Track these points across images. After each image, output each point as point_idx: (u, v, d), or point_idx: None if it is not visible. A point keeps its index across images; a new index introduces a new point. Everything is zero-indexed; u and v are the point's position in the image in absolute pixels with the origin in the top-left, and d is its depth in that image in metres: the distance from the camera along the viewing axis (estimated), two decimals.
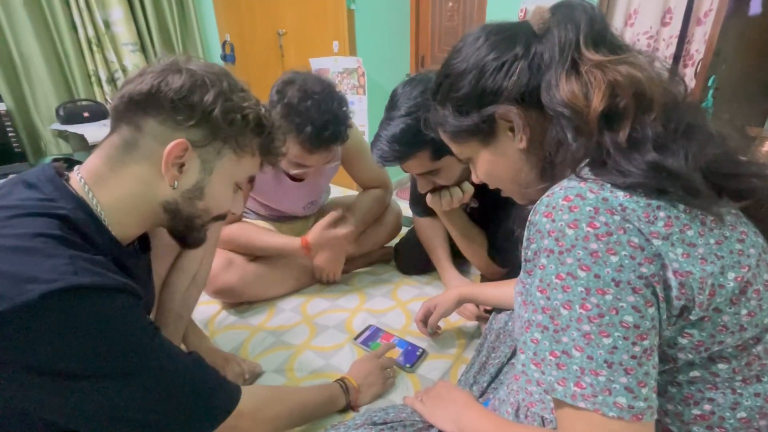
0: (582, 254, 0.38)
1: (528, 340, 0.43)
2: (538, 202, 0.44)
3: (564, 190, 0.41)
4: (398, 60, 2.99)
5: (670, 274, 0.38)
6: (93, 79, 2.41)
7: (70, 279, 0.42)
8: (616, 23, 1.97)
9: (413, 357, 0.93)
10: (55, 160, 0.57)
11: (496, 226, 1.06)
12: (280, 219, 1.33)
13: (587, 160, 0.43)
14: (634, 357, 0.38)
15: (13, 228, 0.44)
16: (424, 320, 0.96)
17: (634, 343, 0.38)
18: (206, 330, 1.06)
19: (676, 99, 0.44)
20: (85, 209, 0.51)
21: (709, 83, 1.89)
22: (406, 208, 1.38)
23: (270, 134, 0.61)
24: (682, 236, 0.39)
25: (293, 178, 1.19)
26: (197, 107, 0.53)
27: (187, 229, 0.61)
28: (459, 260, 1.21)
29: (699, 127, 0.43)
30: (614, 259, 0.38)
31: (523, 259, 0.48)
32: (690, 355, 0.42)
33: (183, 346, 0.86)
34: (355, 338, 1.01)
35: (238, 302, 1.15)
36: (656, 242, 0.38)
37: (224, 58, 3.06)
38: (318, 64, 2.47)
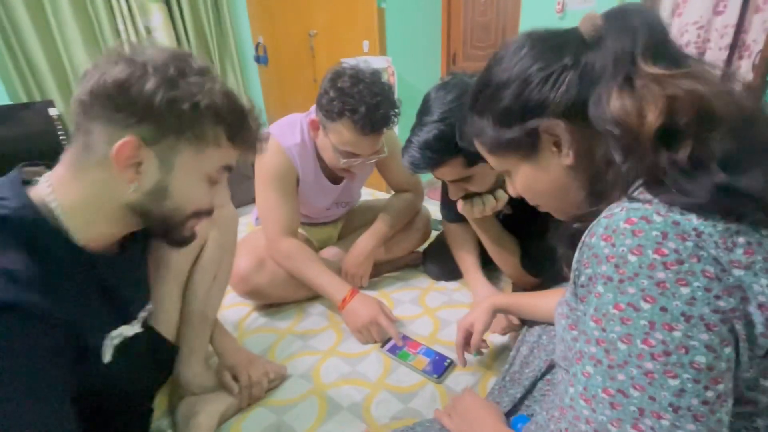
0: (647, 284, 0.35)
1: (579, 373, 0.39)
2: (595, 222, 0.40)
3: (626, 211, 0.37)
4: (429, 58, 2.95)
5: (753, 309, 0.34)
6: None
7: None
8: (663, 14, 1.85)
9: (441, 367, 0.91)
10: (35, 164, 0.56)
11: (530, 236, 1.02)
12: (310, 224, 1.33)
13: (640, 181, 0.40)
14: (705, 403, 0.34)
15: None
16: (467, 341, 0.89)
17: (706, 387, 0.34)
18: (236, 332, 1.09)
19: (752, 114, 0.40)
20: (37, 211, 0.49)
21: None
22: (436, 211, 1.35)
23: (238, 120, 0.56)
24: (765, 265, 0.35)
25: (333, 181, 1.20)
26: (137, 101, 0.49)
27: (164, 230, 0.58)
28: (490, 266, 1.17)
29: None
30: (685, 290, 0.34)
31: (572, 282, 0.44)
32: None
33: (210, 348, 0.87)
34: (382, 346, 0.99)
35: (268, 304, 1.17)
36: (737, 272, 0.34)
37: (257, 59, 3.12)
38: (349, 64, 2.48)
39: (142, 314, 0.67)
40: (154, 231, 0.59)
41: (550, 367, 0.78)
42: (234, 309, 1.17)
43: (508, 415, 0.73)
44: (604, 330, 0.37)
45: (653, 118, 0.38)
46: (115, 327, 0.60)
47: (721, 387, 0.34)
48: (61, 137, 2.28)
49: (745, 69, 1.79)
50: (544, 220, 0.90)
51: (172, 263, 0.77)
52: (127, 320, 0.63)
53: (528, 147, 0.49)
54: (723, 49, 1.84)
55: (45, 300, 0.45)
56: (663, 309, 0.34)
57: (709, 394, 0.34)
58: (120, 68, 0.49)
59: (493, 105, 0.50)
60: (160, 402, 0.84)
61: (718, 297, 0.34)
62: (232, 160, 0.59)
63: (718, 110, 0.38)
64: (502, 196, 0.95)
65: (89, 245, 0.54)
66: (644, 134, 0.38)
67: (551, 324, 0.83)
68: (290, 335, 1.06)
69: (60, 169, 0.53)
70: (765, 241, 0.35)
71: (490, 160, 0.56)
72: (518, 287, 1.13)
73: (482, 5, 2.77)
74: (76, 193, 0.51)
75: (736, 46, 1.83)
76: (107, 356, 0.58)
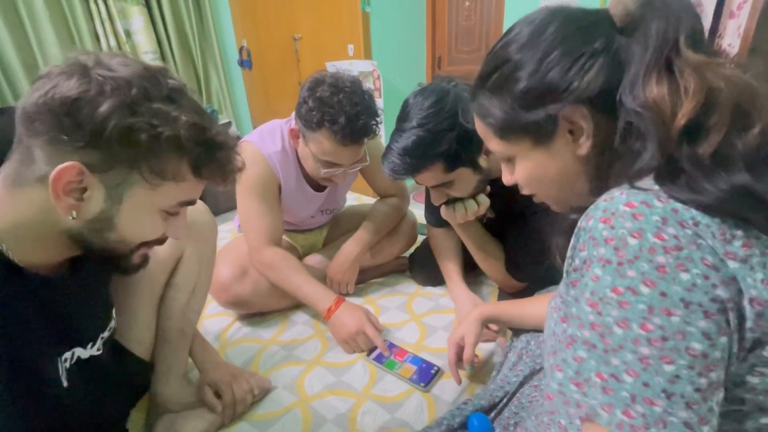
0: (647, 267, 0.34)
1: (569, 358, 0.38)
2: (592, 206, 0.39)
3: (626, 195, 0.37)
4: (414, 62, 2.96)
5: (745, 303, 0.34)
6: None
7: None
8: None
9: (428, 376, 0.90)
10: None
11: (513, 239, 1.02)
12: (294, 231, 1.31)
13: (650, 172, 0.39)
14: (699, 390, 0.33)
15: None
16: (459, 357, 0.87)
17: (700, 374, 0.33)
18: (218, 342, 1.06)
19: None
20: None
21: None
22: (421, 215, 1.34)
23: (205, 152, 0.49)
24: (763, 260, 0.34)
25: (316, 188, 1.18)
26: (85, 125, 0.43)
27: (107, 259, 0.53)
28: (476, 271, 1.16)
29: None
30: (685, 276, 0.33)
31: (565, 271, 0.43)
32: (761, 398, 0.36)
33: (190, 361, 0.84)
34: (368, 354, 0.98)
35: (251, 313, 1.14)
36: (732, 264, 0.33)
37: (241, 63, 3.09)
38: (334, 68, 2.47)
39: (103, 335, 0.64)
40: (96, 259, 0.53)
41: (534, 372, 0.78)
42: (215, 319, 1.14)
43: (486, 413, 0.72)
44: (600, 314, 0.36)
45: (687, 109, 0.37)
46: (67, 350, 0.56)
47: (714, 376, 0.33)
48: None
49: None
50: (527, 224, 0.90)
51: (144, 278, 0.74)
52: (81, 343, 0.59)
53: (544, 133, 0.46)
54: None
55: None
56: (663, 294, 0.33)
57: (703, 381, 0.33)
58: (72, 83, 0.43)
59: (511, 85, 0.46)
60: (136, 419, 0.81)
61: (715, 286, 0.33)
62: (195, 194, 0.54)
63: (761, 105, 0.37)
64: (484, 201, 0.95)
65: (31, 267, 0.49)
66: (675, 125, 0.37)
67: (539, 331, 0.83)
68: (274, 345, 1.04)
69: None
70: (763, 237, 0.35)
71: (495, 143, 0.51)
72: (503, 291, 1.13)
73: (466, 10, 2.79)
74: (11, 212, 0.46)
75: None
76: (65, 381, 0.54)
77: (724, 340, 0.33)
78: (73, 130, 0.43)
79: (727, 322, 0.34)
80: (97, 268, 0.60)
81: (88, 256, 0.53)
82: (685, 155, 0.37)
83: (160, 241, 0.56)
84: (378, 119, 1.00)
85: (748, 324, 0.34)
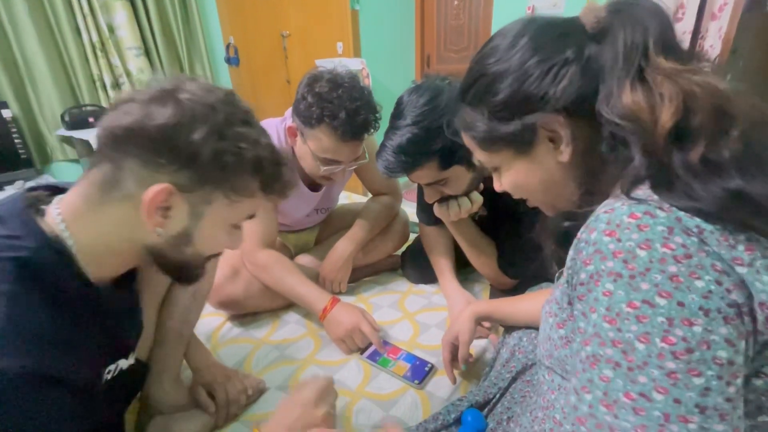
0: (660, 279, 0.33)
1: (596, 378, 0.37)
2: (592, 218, 0.39)
3: (628, 206, 0.36)
4: (403, 60, 2.96)
5: (756, 306, 0.34)
6: (98, 84, 2.42)
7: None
8: None
9: (422, 373, 0.90)
10: (34, 188, 0.52)
11: (506, 237, 1.03)
12: (287, 231, 1.30)
13: (645, 181, 0.39)
14: (729, 400, 0.32)
15: None
16: (454, 356, 0.87)
17: (728, 383, 0.33)
18: (209, 343, 1.04)
19: (763, 116, 0.39)
20: (55, 248, 0.46)
21: None
22: (413, 213, 1.35)
23: (274, 171, 0.54)
24: (765, 262, 0.34)
25: (312, 188, 1.17)
26: (182, 149, 0.46)
27: (177, 271, 0.56)
28: (469, 268, 1.17)
29: None
30: (699, 284, 0.33)
31: (566, 282, 0.43)
32: (763, 399, 0.37)
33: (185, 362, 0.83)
34: (361, 353, 0.98)
35: (242, 313, 1.13)
36: (740, 269, 0.34)
37: (228, 60, 3.05)
38: (323, 65, 2.46)
39: (137, 344, 0.64)
40: (167, 271, 0.56)
41: (527, 368, 0.78)
42: (207, 319, 1.13)
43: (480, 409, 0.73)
44: (619, 330, 0.35)
45: (668, 114, 0.37)
46: (113, 362, 0.56)
47: (739, 382, 0.33)
48: (16, 140, 2.15)
49: None
50: (520, 221, 0.90)
51: (152, 284, 0.73)
52: (126, 353, 0.59)
53: (523, 142, 0.47)
54: None
55: (66, 358, 0.43)
56: (680, 304, 0.33)
57: (732, 390, 0.33)
58: (167, 112, 0.45)
59: (489, 97, 0.48)
60: (127, 421, 0.79)
61: (729, 291, 0.33)
62: (259, 208, 0.57)
63: (736, 108, 0.37)
64: (478, 199, 0.95)
65: (100, 281, 0.51)
66: (658, 131, 0.37)
67: (531, 327, 0.84)
68: (266, 345, 1.03)
69: (74, 198, 0.48)
70: (762, 239, 0.35)
71: (480, 155, 0.53)
72: (496, 289, 1.14)
73: (455, 8, 2.80)
74: (93, 229, 0.48)
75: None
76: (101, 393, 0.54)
77: (743, 344, 0.33)
78: (169, 153, 0.46)
79: (743, 325, 0.34)
80: (133, 277, 0.61)
81: (161, 268, 0.55)
82: (676, 162, 0.37)
83: (220, 253, 0.59)
84: (378, 115, 0.99)
85: (759, 327, 0.34)
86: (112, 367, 0.57)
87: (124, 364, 0.59)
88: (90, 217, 0.48)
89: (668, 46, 0.40)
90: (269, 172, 0.53)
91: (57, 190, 0.54)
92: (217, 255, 0.59)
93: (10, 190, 2.06)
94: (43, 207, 0.49)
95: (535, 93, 0.44)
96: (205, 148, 0.46)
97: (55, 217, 0.48)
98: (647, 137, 0.38)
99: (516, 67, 0.45)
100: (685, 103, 0.37)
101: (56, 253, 0.46)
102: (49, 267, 0.45)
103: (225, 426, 0.80)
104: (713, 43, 1.88)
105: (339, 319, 0.99)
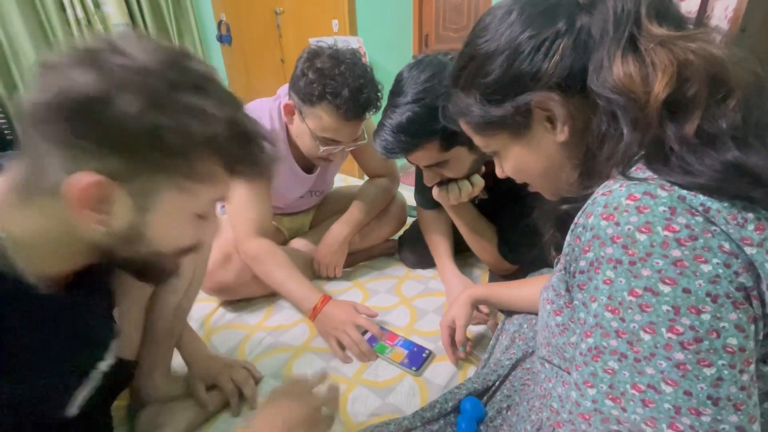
0: (662, 264, 0.32)
1: (600, 371, 0.35)
2: (589, 201, 0.37)
3: (626, 187, 0.34)
4: (401, 39, 2.88)
5: (764, 288, 0.32)
6: None
7: None
8: None
9: (419, 359, 0.89)
10: None
11: (506, 221, 1.00)
12: (281, 214, 1.27)
13: (640, 155, 0.37)
14: (743, 388, 0.31)
15: None
16: (453, 339, 0.86)
17: (741, 371, 0.31)
18: (202, 329, 1.02)
19: (762, 85, 0.37)
20: None
21: None
22: (410, 197, 1.31)
23: (240, 148, 0.43)
24: None
25: (306, 169, 1.13)
26: (108, 128, 0.36)
27: (140, 272, 0.48)
28: (467, 253, 1.15)
29: None
30: (706, 268, 0.31)
31: (564, 268, 0.41)
32: None
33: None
34: None
35: (236, 299, 1.10)
36: (749, 250, 0.31)
37: (220, 38, 2.96)
38: (324, 42, 2.39)
39: (112, 345, 0.59)
40: (128, 272, 0.49)
41: (527, 355, 0.77)
42: (199, 304, 1.09)
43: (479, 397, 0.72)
44: (623, 320, 0.33)
45: (662, 85, 0.35)
46: (93, 368, 0.52)
47: (752, 368, 0.32)
48: (1, 120, 2.08)
49: None
50: (521, 205, 0.88)
51: (136, 282, 0.69)
52: (102, 356, 0.54)
53: (519, 124, 0.45)
54: None
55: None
56: (686, 290, 0.31)
57: (745, 378, 0.31)
58: (87, 78, 0.35)
59: (480, 80, 0.46)
60: (117, 408, 0.77)
61: (738, 273, 0.31)
62: (228, 190, 0.48)
63: (734, 77, 0.35)
64: (479, 182, 0.92)
65: (47, 280, 0.43)
66: (651, 104, 0.35)
67: (532, 313, 0.82)
68: (260, 331, 1.00)
69: (3, 186, 0.41)
70: None
71: (477, 140, 0.52)
72: (494, 274, 1.12)
73: None
74: (26, 223, 0.40)
75: None
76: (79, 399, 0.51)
77: (753, 328, 0.32)
78: (92, 132, 0.36)
79: (752, 309, 0.32)
80: (102, 272, 0.54)
81: (120, 268, 0.48)
82: (670, 135, 0.35)
83: (195, 248, 0.50)
84: (379, 94, 0.95)
85: None
86: (93, 375, 0.53)
87: (103, 366, 0.55)
88: (21, 210, 0.40)
89: (663, 11, 0.38)
90: (231, 151, 0.43)
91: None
92: (192, 249, 0.50)
93: None
94: None
95: (527, 70, 0.42)
96: (133, 124, 0.36)
97: None
98: (639, 110, 0.36)
99: (506, 44, 0.43)
100: (680, 73, 0.35)
101: None
102: None
103: (216, 416, 0.78)
104: (719, 24, 1.82)
105: (332, 314, 0.94)
